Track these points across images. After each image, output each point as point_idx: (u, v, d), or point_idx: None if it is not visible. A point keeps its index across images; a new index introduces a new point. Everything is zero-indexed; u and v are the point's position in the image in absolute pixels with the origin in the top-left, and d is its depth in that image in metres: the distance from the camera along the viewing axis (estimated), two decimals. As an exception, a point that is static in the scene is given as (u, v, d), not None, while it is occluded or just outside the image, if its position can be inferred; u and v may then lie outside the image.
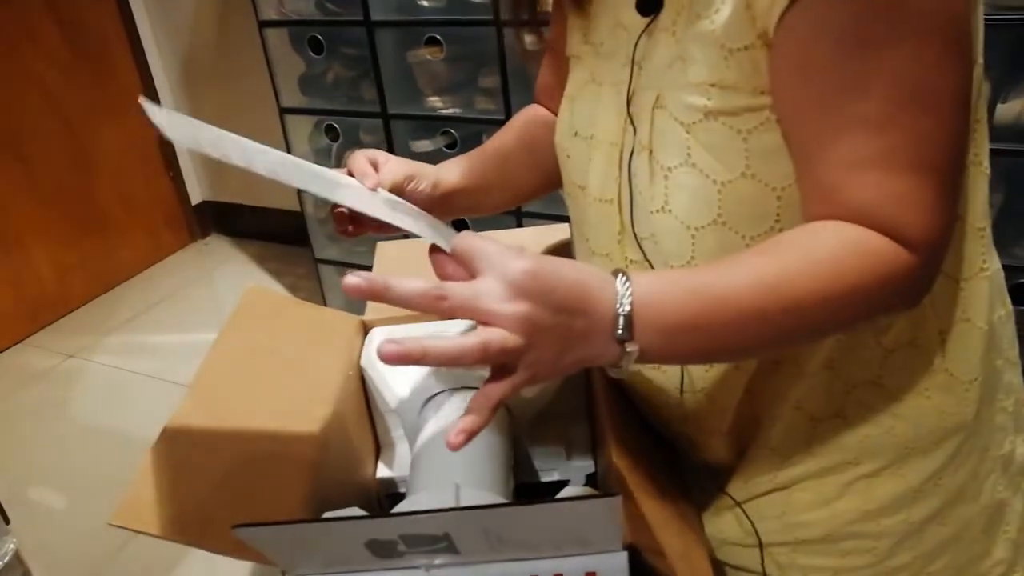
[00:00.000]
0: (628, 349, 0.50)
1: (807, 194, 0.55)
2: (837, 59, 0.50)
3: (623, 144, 0.64)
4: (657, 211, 0.60)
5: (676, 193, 0.59)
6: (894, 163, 0.51)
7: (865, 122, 0.51)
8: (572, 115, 0.70)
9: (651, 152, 0.60)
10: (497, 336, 0.47)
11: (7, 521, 1.02)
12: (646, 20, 0.60)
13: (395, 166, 0.75)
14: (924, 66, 0.50)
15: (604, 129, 0.66)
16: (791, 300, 0.51)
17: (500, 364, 0.49)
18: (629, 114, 0.63)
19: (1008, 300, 0.69)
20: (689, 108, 0.57)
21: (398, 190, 0.74)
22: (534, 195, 0.87)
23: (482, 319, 0.48)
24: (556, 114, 0.84)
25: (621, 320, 0.49)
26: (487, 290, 0.47)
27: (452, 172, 0.79)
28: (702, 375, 0.66)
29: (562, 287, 0.48)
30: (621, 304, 0.49)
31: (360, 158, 0.74)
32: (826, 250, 0.52)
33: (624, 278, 0.50)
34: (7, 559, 0.90)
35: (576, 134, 0.69)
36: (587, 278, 0.50)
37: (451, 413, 0.81)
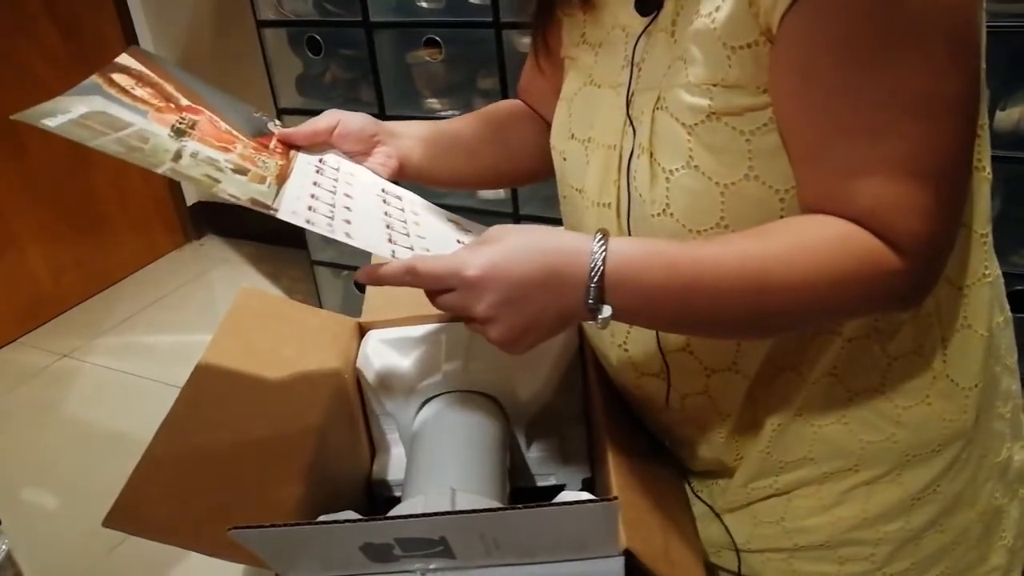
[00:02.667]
0: (601, 315, 0.54)
1: (804, 195, 0.55)
2: (838, 63, 0.50)
3: (622, 147, 0.63)
4: (658, 214, 0.59)
5: (678, 196, 0.58)
6: (892, 170, 0.51)
7: (865, 129, 0.51)
8: (569, 117, 0.69)
9: (652, 154, 0.59)
10: (477, 327, 0.58)
11: (-1, 521, 1.01)
12: (645, 21, 0.60)
13: (354, 120, 0.77)
14: (927, 72, 0.49)
15: (602, 131, 0.65)
16: (768, 287, 0.53)
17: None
18: (629, 116, 0.62)
19: (1007, 306, 0.69)
20: (690, 109, 0.56)
21: (352, 139, 0.77)
22: (500, 177, 0.89)
23: (466, 318, 0.59)
24: (537, 111, 0.83)
25: (592, 290, 0.54)
26: (453, 303, 0.58)
27: (416, 150, 0.79)
28: (704, 381, 0.66)
29: (517, 271, 0.55)
30: (593, 272, 0.54)
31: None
32: (812, 243, 0.53)
33: (601, 242, 0.54)
34: (-1, 559, 0.90)
35: (573, 136, 0.68)
36: (551, 256, 0.55)
37: (447, 417, 0.81)
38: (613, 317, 0.55)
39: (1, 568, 0.90)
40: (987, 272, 0.64)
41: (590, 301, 0.54)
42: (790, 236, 0.54)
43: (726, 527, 0.71)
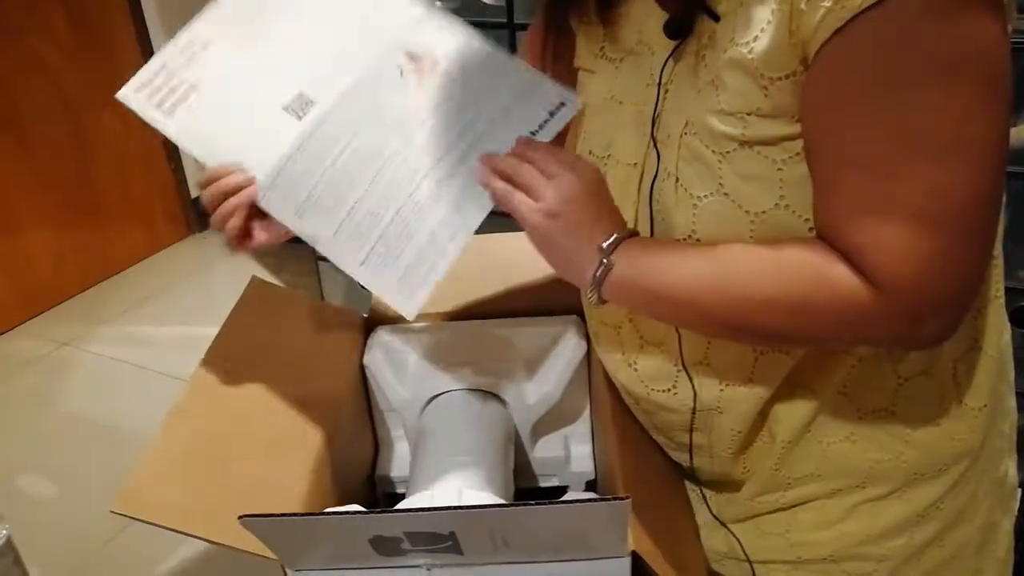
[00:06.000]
0: (604, 260, 0.58)
1: (816, 221, 0.55)
2: (861, 97, 0.50)
3: (644, 167, 0.62)
4: (684, 239, 0.59)
5: (705, 222, 0.58)
6: (892, 211, 0.51)
7: (875, 167, 0.50)
8: (587, 132, 0.68)
9: (677, 179, 0.59)
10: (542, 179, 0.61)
11: (-4, 507, 1.01)
12: (673, 42, 0.59)
13: None
14: (950, 115, 0.48)
15: (623, 150, 0.64)
16: (730, 297, 0.56)
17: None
18: (653, 137, 0.61)
19: (1008, 324, 0.69)
20: (722, 137, 0.55)
21: None
22: None
23: (547, 171, 0.61)
24: None
25: (613, 237, 0.59)
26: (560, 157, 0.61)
27: None
28: (716, 394, 0.65)
29: (600, 197, 0.60)
30: (619, 229, 0.60)
31: None
32: (784, 263, 0.54)
33: (630, 232, 0.60)
34: (-1, 544, 0.89)
35: (590, 152, 0.67)
36: (616, 211, 0.61)
37: (454, 414, 0.81)
38: (607, 286, 0.59)
39: (1, 554, 0.90)
40: (997, 293, 0.64)
41: (605, 243, 0.59)
42: (769, 253, 0.55)
43: (736, 537, 0.71)
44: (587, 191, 0.60)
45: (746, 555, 0.70)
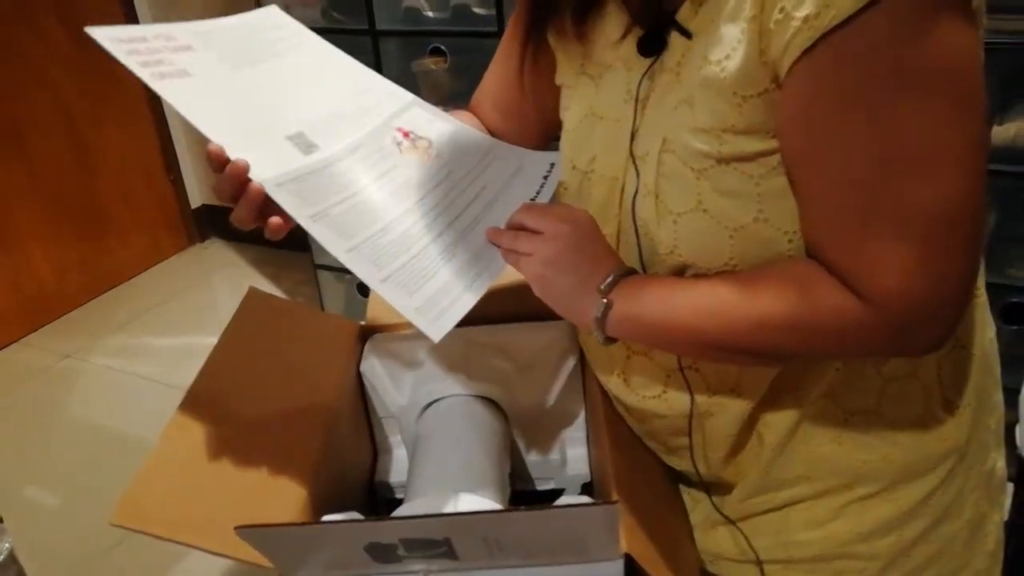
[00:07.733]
0: (604, 299, 0.60)
1: (803, 236, 0.56)
2: (836, 115, 0.50)
3: (625, 181, 0.63)
4: (668, 254, 0.60)
5: (686, 238, 0.59)
6: (873, 226, 0.51)
7: (852, 183, 0.51)
8: (571, 148, 0.69)
9: (657, 196, 0.60)
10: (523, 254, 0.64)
11: (0, 520, 1.02)
12: (648, 60, 0.60)
13: None
14: (924, 130, 0.49)
15: (604, 164, 0.65)
16: (728, 322, 0.57)
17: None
18: (632, 153, 0.62)
19: (992, 321, 0.70)
20: (699, 154, 0.56)
21: None
22: None
23: (540, 229, 0.64)
24: (486, 123, 0.82)
25: (611, 278, 0.61)
26: (554, 212, 0.64)
27: None
28: (706, 399, 0.66)
29: (594, 241, 0.63)
30: (616, 269, 0.61)
31: None
32: (777, 286, 0.55)
33: (626, 271, 0.62)
34: (2, 558, 0.90)
35: (574, 167, 0.69)
36: (612, 252, 0.63)
37: (450, 420, 0.82)
38: (608, 321, 0.61)
39: (4, 566, 0.91)
40: (978, 292, 0.65)
41: (602, 286, 0.61)
42: (761, 275, 0.56)
43: (745, 535, 0.71)
44: (581, 238, 0.62)
45: (752, 548, 0.71)
